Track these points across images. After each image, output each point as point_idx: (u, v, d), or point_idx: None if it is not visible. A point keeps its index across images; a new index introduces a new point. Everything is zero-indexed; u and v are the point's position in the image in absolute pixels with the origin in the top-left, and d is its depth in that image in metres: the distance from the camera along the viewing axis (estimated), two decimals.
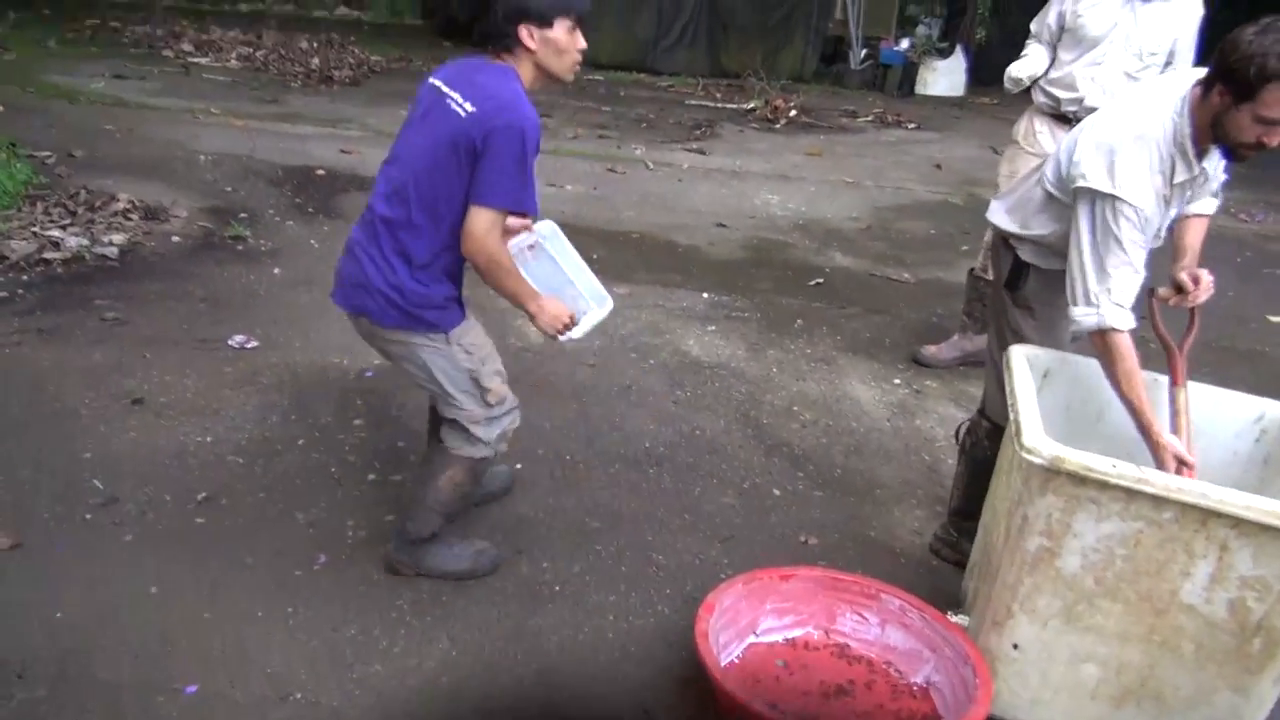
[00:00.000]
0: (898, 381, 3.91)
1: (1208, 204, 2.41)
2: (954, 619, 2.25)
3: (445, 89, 2.14)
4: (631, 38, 12.25)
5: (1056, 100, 3.64)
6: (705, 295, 4.64)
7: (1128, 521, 1.90)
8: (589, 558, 2.61)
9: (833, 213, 6.49)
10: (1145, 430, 2.16)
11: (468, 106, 2.07)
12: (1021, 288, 2.49)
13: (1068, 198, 2.26)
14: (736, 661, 2.25)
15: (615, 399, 3.49)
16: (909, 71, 12.56)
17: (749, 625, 2.31)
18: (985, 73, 11.97)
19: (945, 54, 12.92)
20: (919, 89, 12.52)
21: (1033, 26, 3.76)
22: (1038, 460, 1.89)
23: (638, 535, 2.73)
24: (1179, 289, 2.34)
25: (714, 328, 4.24)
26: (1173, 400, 2.25)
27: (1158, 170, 2.13)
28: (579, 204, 6.01)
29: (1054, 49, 3.66)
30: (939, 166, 8.28)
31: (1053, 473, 1.90)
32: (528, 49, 2.11)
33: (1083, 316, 2.19)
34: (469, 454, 2.31)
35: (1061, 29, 3.61)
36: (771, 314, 4.48)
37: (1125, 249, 2.12)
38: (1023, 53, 3.74)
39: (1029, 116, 3.79)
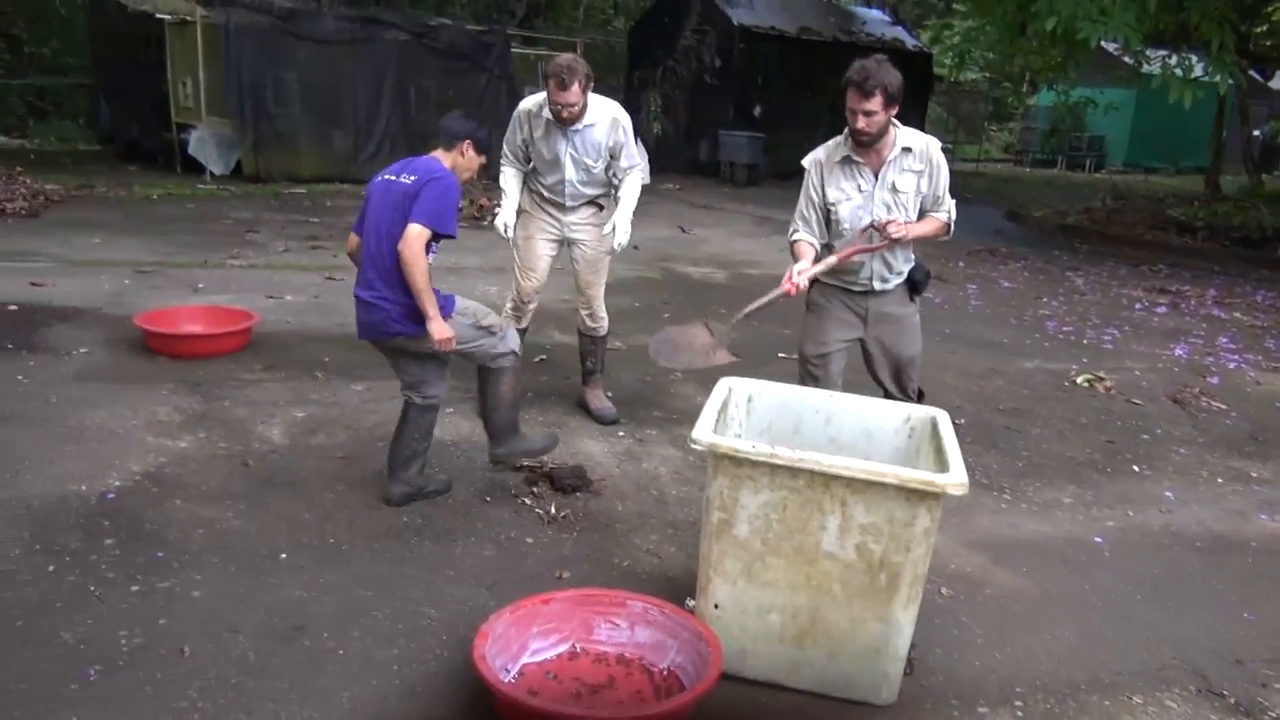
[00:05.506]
0: (622, 434, 4.42)
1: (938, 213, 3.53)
2: (689, 605, 2.72)
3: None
4: (330, 152, 12.48)
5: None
6: None
7: (776, 491, 2.47)
8: (365, 622, 2.83)
9: (546, 297, 7.04)
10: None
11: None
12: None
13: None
14: (514, 681, 2.56)
15: (370, 483, 3.71)
16: None
17: (520, 649, 2.64)
18: (665, 160, 13.68)
19: None
20: None
21: (505, 148, 4.40)
22: (699, 448, 2.48)
23: (408, 596, 2.98)
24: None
25: (451, 410, 4.56)
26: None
27: (828, 152, 3.49)
28: (302, 313, 6.13)
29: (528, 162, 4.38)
30: (636, 247, 9.12)
31: (717, 457, 2.47)
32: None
33: (790, 236, 3.57)
34: (505, 364, 3.60)
35: (529, 152, 4.34)
36: None
37: (801, 199, 3.54)
38: (501, 185, 4.41)
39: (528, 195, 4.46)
